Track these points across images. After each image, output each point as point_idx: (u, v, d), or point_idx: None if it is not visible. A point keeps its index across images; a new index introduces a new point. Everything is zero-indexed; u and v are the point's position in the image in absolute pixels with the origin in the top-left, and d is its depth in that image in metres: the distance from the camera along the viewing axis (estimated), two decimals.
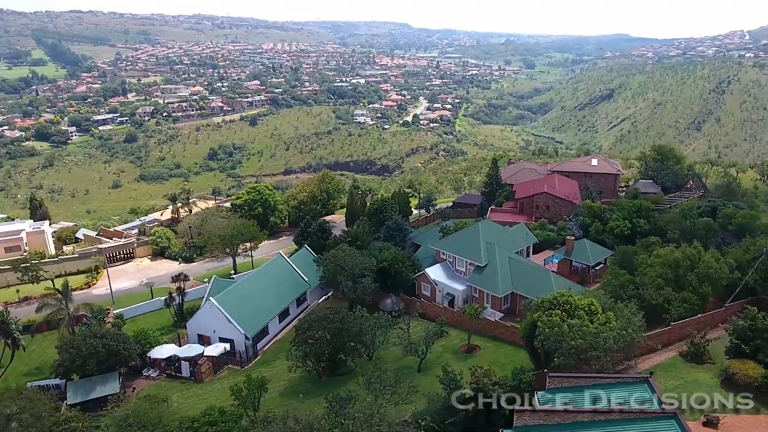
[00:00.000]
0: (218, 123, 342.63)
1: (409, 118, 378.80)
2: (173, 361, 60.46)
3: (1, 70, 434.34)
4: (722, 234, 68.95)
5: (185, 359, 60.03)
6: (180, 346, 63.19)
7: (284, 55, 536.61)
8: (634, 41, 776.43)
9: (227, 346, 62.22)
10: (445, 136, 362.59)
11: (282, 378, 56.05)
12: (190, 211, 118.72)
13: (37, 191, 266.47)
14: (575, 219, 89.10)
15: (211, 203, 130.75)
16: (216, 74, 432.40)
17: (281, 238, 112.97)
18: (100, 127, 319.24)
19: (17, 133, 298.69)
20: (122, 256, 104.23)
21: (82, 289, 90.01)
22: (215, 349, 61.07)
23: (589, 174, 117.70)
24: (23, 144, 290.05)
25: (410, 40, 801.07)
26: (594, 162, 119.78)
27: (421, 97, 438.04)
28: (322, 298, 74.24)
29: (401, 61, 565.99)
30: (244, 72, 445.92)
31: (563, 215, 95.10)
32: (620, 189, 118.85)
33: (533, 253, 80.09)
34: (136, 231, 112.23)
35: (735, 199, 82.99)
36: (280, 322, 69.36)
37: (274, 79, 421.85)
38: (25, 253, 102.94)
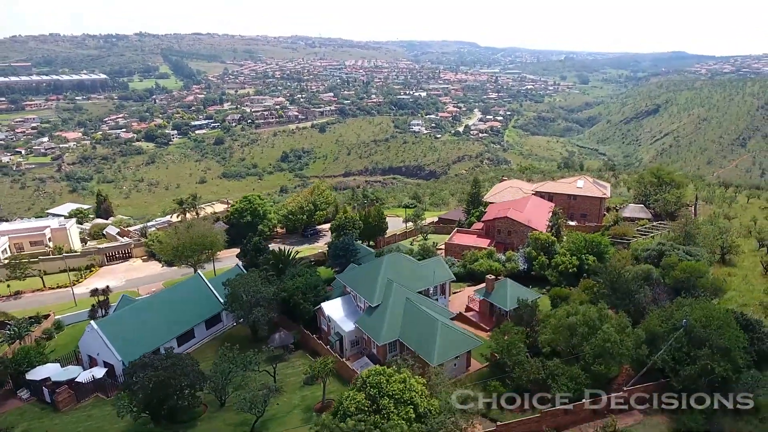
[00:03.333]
0: (292, 129, 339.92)
1: (461, 129, 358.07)
2: (51, 383, 51.05)
3: (134, 82, 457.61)
4: (658, 289, 49.61)
5: (57, 383, 50.39)
6: (69, 366, 53.77)
7: (360, 71, 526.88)
8: (689, 58, 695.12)
9: (105, 371, 51.96)
10: (492, 145, 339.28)
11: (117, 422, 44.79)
12: (197, 215, 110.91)
13: (138, 183, 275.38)
14: (523, 250, 71.23)
15: (223, 207, 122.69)
16: (298, 87, 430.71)
17: (270, 245, 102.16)
18: (196, 131, 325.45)
19: (130, 135, 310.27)
20: (120, 255, 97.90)
21: (66, 287, 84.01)
22: (88, 375, 50.99)
23: (574, 196, 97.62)
24: (133, 144, 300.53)
25: (476, 57, 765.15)
26: (580, 184, 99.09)
27: (475, 109, 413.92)
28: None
29: (464, 76, 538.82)
30: (323, 85, 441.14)
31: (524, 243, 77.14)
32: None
33: (471, 285, 64.04)
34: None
35: (693, 241, 61.57)
36: (179, 346, 58.33)
37: (345, 92, 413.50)
38: (47, 248, 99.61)
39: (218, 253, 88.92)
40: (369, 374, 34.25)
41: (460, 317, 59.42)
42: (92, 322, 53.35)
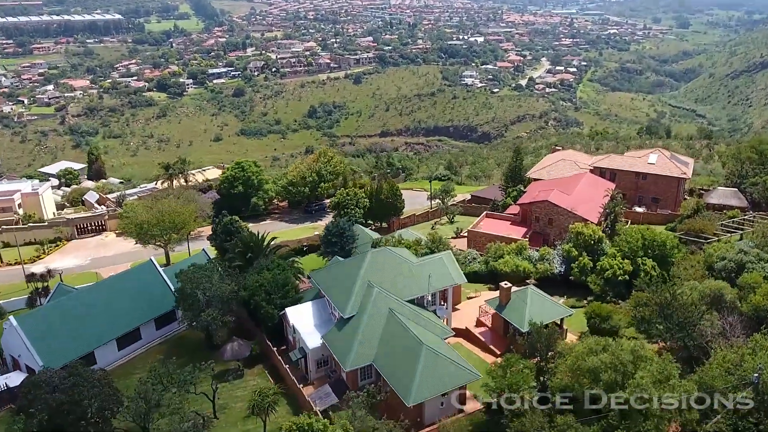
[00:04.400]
0: (323, 80, 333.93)
1: (524, 82, 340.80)
2: None
3: (151, 23, 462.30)
4: (731, 318, 40.95)
5: None
6: None
7: (407, 11, 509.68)
8: None
9: (25, 377, 49.21)
10: (560, 103, 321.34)
11: None
12: (186, 183, 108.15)
13: (147, 139, 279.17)
14: (560, 247, 63.13)
15: (218, 174, 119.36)
16: (333, 30, 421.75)
17: (264, 222, 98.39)
18: (215, 81, 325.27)
19: (142, 83, 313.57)
20: (93, 228, 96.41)
21: (24, 263, 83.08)
22: (1, 382, 48.39)
23: (643, 175, 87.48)
24: (144, 94, 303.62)
25: None
26: (652, 159, 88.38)
27: (543, 59, 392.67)
28: None
29: (531, 18, 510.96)
30: (362, 28, 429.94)
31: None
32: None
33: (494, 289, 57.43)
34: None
35: None
36: (120, 349, 55.11)
37: (387, 36, 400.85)
38: (16, 215, 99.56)
39: (201, 230, 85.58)
40: (291, 429, 28.86)
41: (466, 335, 53.00)
42: (11, 317, 50.58)
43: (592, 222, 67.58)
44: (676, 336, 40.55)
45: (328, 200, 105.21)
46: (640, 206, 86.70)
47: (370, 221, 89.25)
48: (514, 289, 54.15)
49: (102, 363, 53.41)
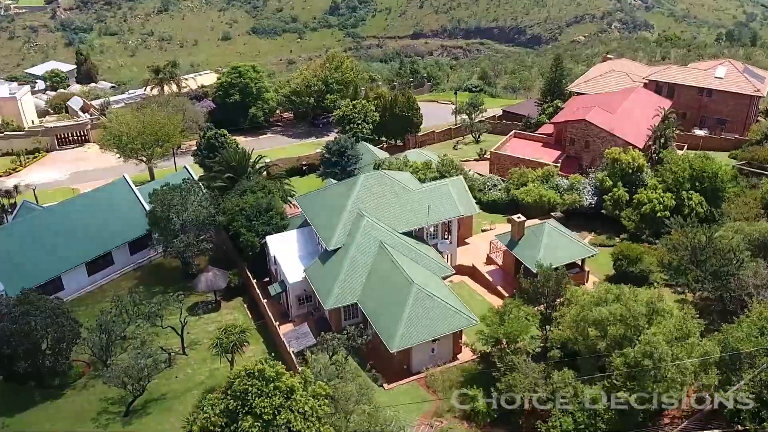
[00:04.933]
0: None
1: None
2: None
3: None
4: None
5: None
6: None
7: None
8: None
9: None
10: (627, 1, 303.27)
11: None
12: (179, 88, 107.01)
13: (147, 38, 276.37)
14: (593, 175, 60.42)
15: (215, 79, 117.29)
16: None
17: (264, 136, 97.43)
18: None
19: None
20: (75, 138, 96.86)
21: (5, 175, 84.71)
22: None
23: (708, 91, 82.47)
24: None
25: None
26: (720, 72, 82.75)
27: None
28: None
29: None
30: None
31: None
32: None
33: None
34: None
35: None
36: (90, 275, 56.14)
37: None
38: None
39: (191, 144, 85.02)
40: (238, 376, 28.77)
41: (472, 274, 52.04)
42: None
43: (636, 147, 64.42)
44: (708, 286, 38.69)
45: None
46: (701, 129, 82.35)
47: (383, 138, 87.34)
48: (531, 222, 52.61)
49: (70, 290, 54.68)
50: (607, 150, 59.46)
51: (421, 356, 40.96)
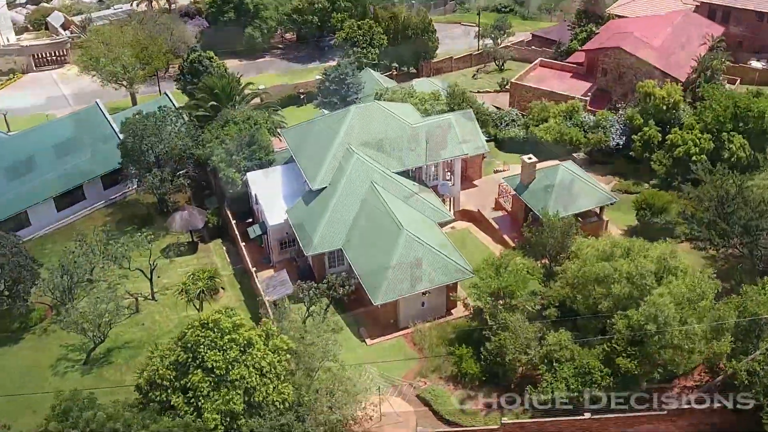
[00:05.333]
0: None
1: None
2: None
3: None
4: None
5: None
6: None
7: None
8: None
9: None
10: None
11: None
12: (169, 3, 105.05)
13: None
14: (623, 112, 58.09)
15: None
16: None
17: (262, 59, 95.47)
18: None
19: None
20: (54, 59, 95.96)
21: None
22: None
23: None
24: None
25: None
26: None
27: None
28: None
29: None
30: None
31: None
32: None
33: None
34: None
35: None
36: (60, 210, 56.30)
37: None
38: None
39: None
40: (191, 326, 28.58)
41: (477, 220, 50.99)
42: None
43: (677, 80, 61.67)
44: (736, 242, 37.26)
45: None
46: (759, 61, 78.37)
47: (395, 65, 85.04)
48: (549, 163, 51.09)
49: (37, 226, 55.10)
50: (639, 83, 56.84)
51: (409, 310, 40.54)
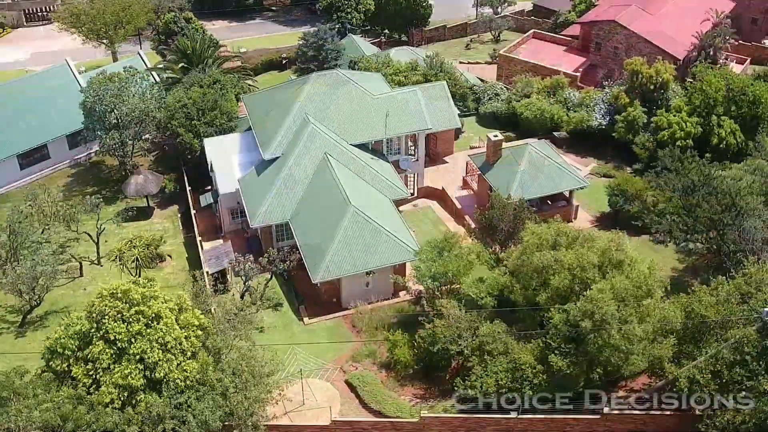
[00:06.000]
0: None
1: None
2: None
3: None
4: None
5: None
6: None
7: None
8: None
9: None
10: None
11: None
12: None
13: None
14: (608, 90, 54.88)
15: None
16: None
17: (252, 21, 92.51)
18: None
19: None
20: (44, 15, 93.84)
21: None
22: None
23: None
24: None
25: None
26: None
27: None
28: None
29: None
30: None
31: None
32: None
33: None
34: None
35: None
36: (23, 168, 54.80)
37: None
38: None
39: None
40: (100, 295, 26.89)
41: (442, 198, 48.56)
42: None
43: (674, 58, 58.40)
44: (699, 237, 34.59)
45: None
46: None
47: (386, 31, 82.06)
48: (518, 143, 48.44)
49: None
50: (626, 60, 53.56)
51: (353, 290, 38.49)
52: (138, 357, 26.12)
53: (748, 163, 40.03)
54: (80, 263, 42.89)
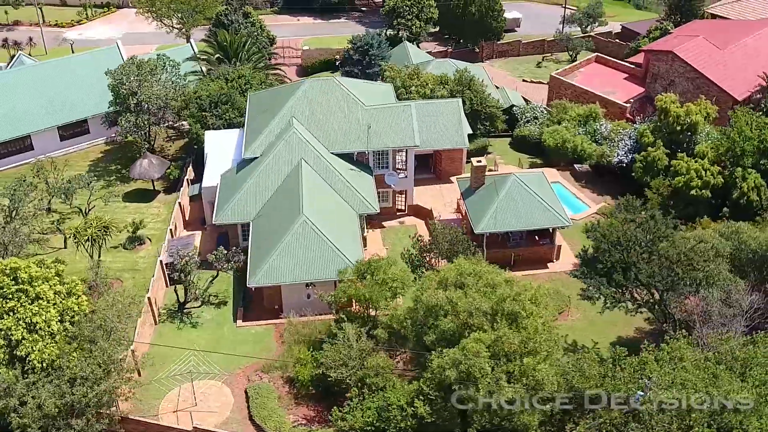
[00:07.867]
0: None
1: None
2: None
3: None
4: None
5: None
6: None
7: None
8: None
9: None
10: None
11: None
12: None
13: None
14: (638, 127, 50.77)
15: None
16: None
17: (337, 20, 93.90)
18: None
19: None
20: None
21: (62, 27, 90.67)
22: None
23: None
24: None
25: None
26: None
27: None
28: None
29: None
30: None
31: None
32: None
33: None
34: None
35: None
36: (63, 140, 59.17)
37: None
38: None
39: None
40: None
41: (429, 217, 47.03)
42: None
43: (732, 97, 53.33)
44: (627, 299, 31.40)
45: None
46: None
47: (461, 41, 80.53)
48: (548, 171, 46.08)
49: (40, 151, 58.12)
50: (658, 96, 49.32)
51: (292, 300, 38.28)
52: (2, 333, 27.54)
53: (727, 225, 35.64)
54: (65, 237, 44.86)
